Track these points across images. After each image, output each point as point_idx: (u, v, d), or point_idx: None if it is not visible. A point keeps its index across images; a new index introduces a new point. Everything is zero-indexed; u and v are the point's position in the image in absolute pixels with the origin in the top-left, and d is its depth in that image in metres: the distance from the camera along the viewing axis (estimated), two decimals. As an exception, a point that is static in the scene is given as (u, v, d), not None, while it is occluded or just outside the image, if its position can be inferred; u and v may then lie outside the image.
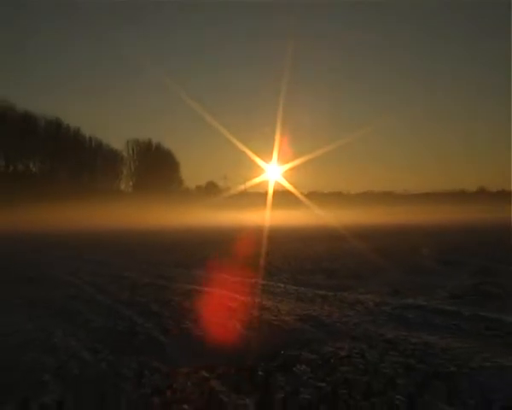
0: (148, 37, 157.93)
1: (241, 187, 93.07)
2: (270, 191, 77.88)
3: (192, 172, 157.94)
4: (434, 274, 12.59)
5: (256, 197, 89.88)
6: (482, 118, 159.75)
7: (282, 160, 77.31)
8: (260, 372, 5.56)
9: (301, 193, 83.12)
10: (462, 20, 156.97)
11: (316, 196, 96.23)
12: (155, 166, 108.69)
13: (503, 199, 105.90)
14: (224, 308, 8.99)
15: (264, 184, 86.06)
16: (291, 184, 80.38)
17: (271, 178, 77.81)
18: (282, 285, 11.36)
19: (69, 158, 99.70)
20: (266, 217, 55.65)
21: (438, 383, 4.99)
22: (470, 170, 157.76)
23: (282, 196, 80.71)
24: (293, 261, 16.10)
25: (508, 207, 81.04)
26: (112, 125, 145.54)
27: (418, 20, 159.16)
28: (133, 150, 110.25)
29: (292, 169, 78.69)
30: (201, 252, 20.21)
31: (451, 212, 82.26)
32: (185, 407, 4.67)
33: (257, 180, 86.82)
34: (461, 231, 32.75)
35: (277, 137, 72.82)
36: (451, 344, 6.38)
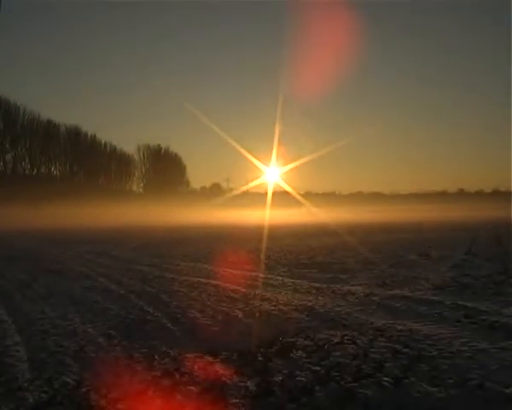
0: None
1: (243, 188, 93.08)
2: (270, 192, 77.91)
3: (198, 175, 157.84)
4: (418, 267, 12.61)
5: (256, 197, 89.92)
6: (466, 121, 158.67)
7: (281, 162, 77.45)
8: (260, 357, 5.60)
9: (298, 193, 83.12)
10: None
11: (311, 196, 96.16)
12: (164, 169, 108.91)
13: (482, 199, 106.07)
14: (227, 299, 9.02)
15: (264, 185, 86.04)
16: (289, 185, 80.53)
17: (271, 179, 77.85)
18: (280, 278, 11.40)
19: (87, 162, 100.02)
20: (266, 215, 55.63)
21: (421, 366, 5.03)
22: (451, 172, 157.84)
23: (281, 196, 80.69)
24: (290, 256, 16.13)
25: (486, 206, 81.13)
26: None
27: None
28: (144, 154, 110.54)
29: (289, 171, 78.83)
30: (206, 247, 20.24)
31: (435, 210, 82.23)
32: (192, 388, 4.70)
33: (257, 182, 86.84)
34: (442, 229, 32.77)
35: (276, 141, 72.72)
36: (434, 330, 6.42)
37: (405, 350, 5.58)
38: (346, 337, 6.23)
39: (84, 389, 4.76)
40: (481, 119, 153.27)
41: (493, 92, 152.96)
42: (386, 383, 4.58)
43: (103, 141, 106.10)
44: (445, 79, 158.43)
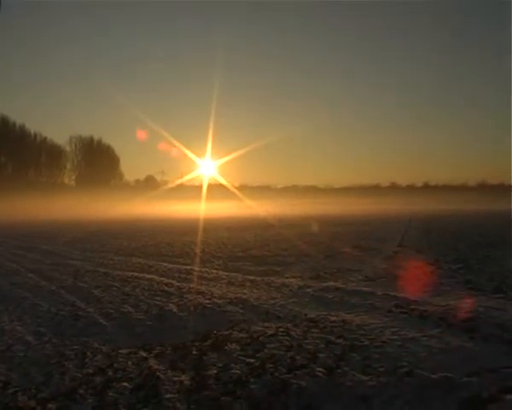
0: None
1: (178, 181, 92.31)
2: (205, 185, 77.77)
3: (132, 167, 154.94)
4: (352, 259, 12.93)
5: (192, 190, 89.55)
6: (398, 120, 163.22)
7: (215, 155, 77.51)
8: (195, 351, 5.60)
9: (233, 186, 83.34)
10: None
11: (246, 189, 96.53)
12: (97, 161, 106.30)
13: (412, 192, 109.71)
14: (161, 293, 8.96)
15: (200, 178, 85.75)
16: (224, 177, 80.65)
17: (206, 172, 77.72)
18: (215, 271, 11.41)
19: (15, 153, 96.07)
20: (201, 208, 55.47)
21: (354, 356, 5.17)
22: (384, 166, 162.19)
23: (216, 189, 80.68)
24: (225, 249, 16.16)
25: (417, 200, 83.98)
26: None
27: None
28: (75, 146, 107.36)
29: (224, 164, 79.01)
30: (140, 241, 19.99)
31: (368, 204, 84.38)
32: (125, 384, 4.65)
33: (192, 174, 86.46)
34: (375, 221, 33.67)
35: (210, 133, 72.62)
36: (366, 321, 6.61)
37: (338, 341, 5.73)
38: (280, 329, 6.32)
39: (11, 390, 4.63)
40: (412, 118, 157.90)
41: (425, 90, 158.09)
42: (319, 374, 4.69)
43: (33, 131, 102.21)
44: (381, 77, 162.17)
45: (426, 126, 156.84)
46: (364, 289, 8.87)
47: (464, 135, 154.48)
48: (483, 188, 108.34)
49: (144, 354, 5.54)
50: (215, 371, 4.90)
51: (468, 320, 6.39)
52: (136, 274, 11.12)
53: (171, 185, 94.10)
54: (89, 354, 5.66)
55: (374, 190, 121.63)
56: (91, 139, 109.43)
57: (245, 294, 8.74)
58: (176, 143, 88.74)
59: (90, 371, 5.05)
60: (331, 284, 9.46)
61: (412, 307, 7.29)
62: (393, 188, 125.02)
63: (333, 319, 6.76)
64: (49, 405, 4.29)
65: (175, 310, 7.66)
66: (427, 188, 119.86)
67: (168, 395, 4.37)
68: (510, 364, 4.80)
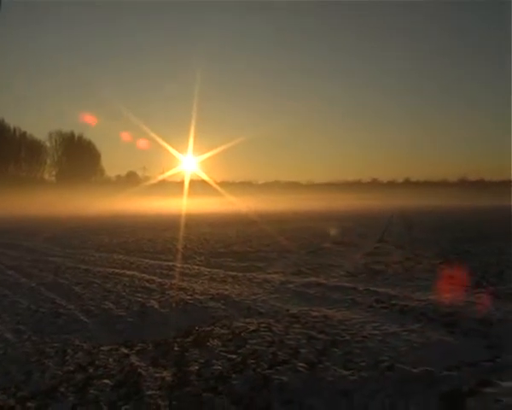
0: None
1: (160, 177, 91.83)
2: (187, 180, 77.45)
3: (113, 163, 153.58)
4: (333, 255, 12.99)
5: (174, 186, 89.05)
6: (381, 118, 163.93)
7: (197, 151, 77.32)
8: (176, 347, 5.59)
9: (215, 182, 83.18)
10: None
11: (228, 185, 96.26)
12: (77, 157, 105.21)
13: (393, 188, 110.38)
14: (142, 289, 8.92)
15: (182, 173, 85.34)
16: (205, 173, 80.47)
17: (187, 168, 77.48)
18: (197, 267, 11.39)
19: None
20: (183, 204, 55.22)
21: (335, 351, 5.21)
22: (365, 162, 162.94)
23: (198, 185, 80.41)
24: (207, 245, 16.13)
25: (398, 195, 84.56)
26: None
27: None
28: (56, 141, 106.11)
29: (206, 160, 78.87)
30: (122, 237, 19.83)
31: (349, 199, 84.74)
32: (106, 381, 4.63)
33: (174, 170, 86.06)
34: (357, 217, 33.82)
35: (192, 129, 72.38)
36: (347, 316, 6.67)
37: (320, 336, 5.76)
38: (262, 325, 6.34)
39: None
40: (391, 117, 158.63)
41: (415, 89, 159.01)
42: (301, 369, 4.72)
43: (12, 126, 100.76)
44: (368, 75, 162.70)
45: (408, 124, 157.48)
46: (346, 284, 8.93)
47: (446, 133, 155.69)
48: (463, 184, 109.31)
49: (126, 351, 5.52)
50: (197, 368, 4.90)
51: (449, 315, 6.48)
52: (117, 271, 11.06)
53: (152, 181, 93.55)
54: (69, 351, 5.62)
55: (355, 185, 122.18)
56: (72, 135, 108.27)
57: (227, 290, 8.74)
58: (158, 138, 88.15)
59: (71, 369, 5.02)
60: (313, 279, 9.50)
61: (393, 302, 7.37)
62: (375, 184, 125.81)
63: (314, 314, 6.80)
64: (29, 403, 4.25)
65: (156, 306, 7.63)
66: (408, 184, 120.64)
67: (150, 392, 4.36)
68: (489, 357, 4.88)
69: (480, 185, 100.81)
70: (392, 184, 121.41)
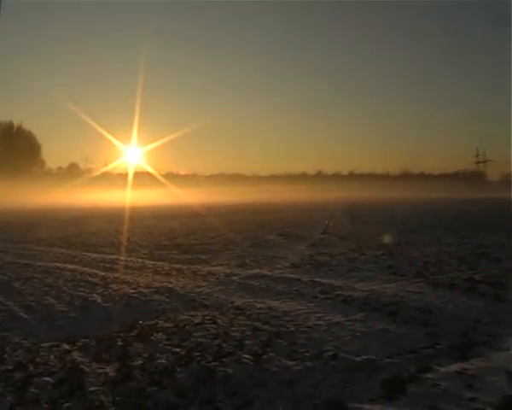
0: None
1: (103, 169, 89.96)
2: (130, 172, 76.29)
3: (54, 154, 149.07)
4: (277, 247, 13.11)
5: (117, 178, 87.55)
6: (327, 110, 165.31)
7: (141, 142, 76.27)
8: (120, 342, 5.52)
9: (159, 174, 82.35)
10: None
11: (172, 177, 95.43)
12: (16, 148, 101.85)
13: (338, 181, 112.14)
14: (85, 284, 8.75)
15: (125, 165, 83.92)
16: (149, 165, 79.58)
17: (131, 159, 76.30)
18: (141, 260, 11.27)
19: None
20: (127, 197, 54.37)
21: (280, 342, 5.27)
22: (311, 155, 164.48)
23: (142, 177, 79.37)
24: (151, 238, 15.98)
25: (342, 188, 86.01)
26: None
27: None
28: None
29: (151, 151, 78.02)
30: (63, 231, 19.36)
31: (294, 191, 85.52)
32: (47, 379, 4.52)
33: (118, 162, 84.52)
34: (301, 209, 34.18)
35: (136, 120, 71.25)
36: (292, 307, 6.75)
37: (265, 327, 5.81)
38: (206, 317, 6.34)
39: None
40: (339, 108, 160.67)
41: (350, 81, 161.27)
42: (246, 360, 4.75)
43: None
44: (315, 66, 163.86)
45: (352, 117, 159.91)
46: (290, 275, 9.02)
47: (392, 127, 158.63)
48: (405, 177, 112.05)
49: (67, 347, 5.40)
50: (141, 362, 4.85)
51: (391, 304, 6.66)
52: (58, 265, 10.79)
53: (95, 173, 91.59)
54: (8, 349, 5.45)
55: (301, 178, 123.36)
56: (11, 124, 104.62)
57: (171, 283, 8.68)
58: (100, 129, 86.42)
59: (10, 368, 4.87)
60: (257, 271, 9.56)
61: (337, 292, 7.50)
62: (320, 176, 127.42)
63: (259, 306, 6.85)
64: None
65: (99, 301, 7.51)
66: (353, 176, 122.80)
67: (92, 388, 4.29)
68: (429, 344, 5.05)
69: (421, 178, 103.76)
70: (336, 177, 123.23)
